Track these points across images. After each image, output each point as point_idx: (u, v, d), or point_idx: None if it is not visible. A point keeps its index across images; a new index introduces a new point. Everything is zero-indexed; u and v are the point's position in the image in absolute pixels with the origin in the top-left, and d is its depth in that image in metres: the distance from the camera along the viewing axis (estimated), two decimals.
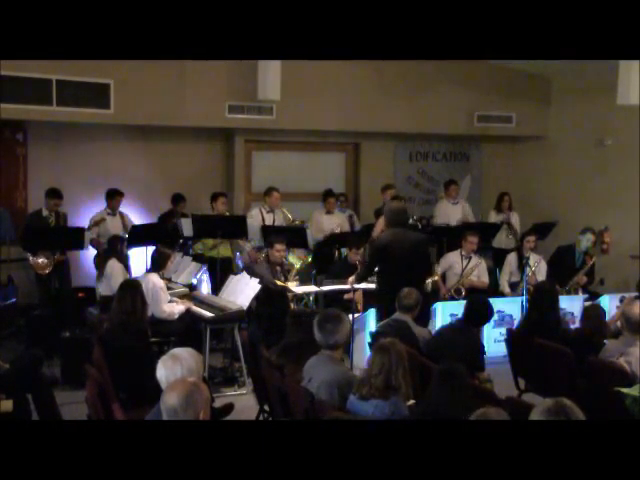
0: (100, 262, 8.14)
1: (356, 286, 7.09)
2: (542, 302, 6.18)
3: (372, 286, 7.08)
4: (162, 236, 8.44)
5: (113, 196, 8.87)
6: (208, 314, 6.86)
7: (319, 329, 4.56)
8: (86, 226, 8.40)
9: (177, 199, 9.47)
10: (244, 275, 7.25)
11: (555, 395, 3.02)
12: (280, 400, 4.85)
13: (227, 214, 8.89)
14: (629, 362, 5.17)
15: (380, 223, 9.34)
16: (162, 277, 7.14)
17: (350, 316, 6.52)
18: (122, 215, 8.97)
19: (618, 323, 6.17)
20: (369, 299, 7.46)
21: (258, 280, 7.04)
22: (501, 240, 9.93)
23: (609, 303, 7.96)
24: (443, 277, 8.93)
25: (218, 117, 9.52)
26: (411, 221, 9.46)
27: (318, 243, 9.22)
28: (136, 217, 9.36)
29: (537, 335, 5.91)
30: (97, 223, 8.62)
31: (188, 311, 7.02)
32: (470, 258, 8.81)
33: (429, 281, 8.13)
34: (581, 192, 10.58)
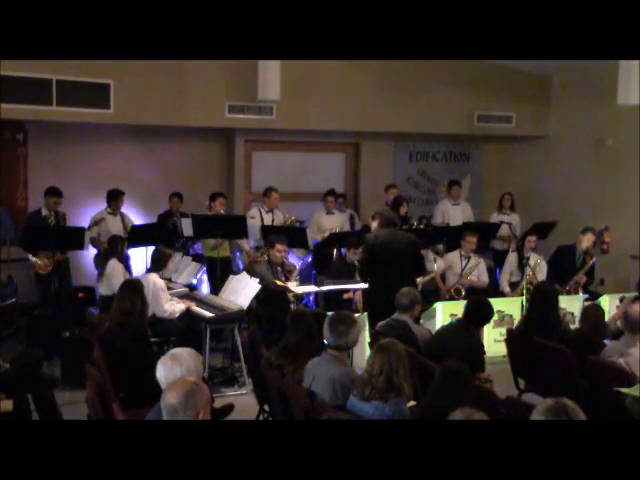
0: (100, 262, 8.14)
1: (357, 286, 7.12)
2: (542, 302, 6.17)
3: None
4: (162, 236, 8.44)
5: (115, 196, 8.87)
6: (208, 314, 6.86)
7: (331, 330, 4.55)
8: (87, 226, 8.39)
9: (173, 198, 9.49)
10: (244, 275, 7.25)
11: (555, 395, 3.01)
12: (280, 400, 4.84)
13: (222, 213, 8.88)
14: (629, 362, 5.17)
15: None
16: (162, 277, 7.14)
17: None
18: (122, 215, 8.97)
19: (618, 323, 6.17)
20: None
21: (258, 280, 7.04)
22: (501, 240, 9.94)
23: (609, 303, 7.94)
24: (443, 277, 8.93)
25: (218, 117, 9.52)
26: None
27: (318, 243, 9.22)
28: (136, 217, 9.36)
29: (537, 335, 5.90)
30: (97, 223, 8.62)
31: (188, 311, 7.02)
32: (469, 258, 8.81)
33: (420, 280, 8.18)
34: (581, 192, 10.57)
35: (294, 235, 8.38)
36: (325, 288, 7.69)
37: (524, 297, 7.92)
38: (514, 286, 8.84)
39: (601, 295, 8.39)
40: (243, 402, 6.37)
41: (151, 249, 7.57)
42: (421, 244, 7.27)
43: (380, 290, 6.62)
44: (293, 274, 7.82)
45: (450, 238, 9.23)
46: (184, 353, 3.77)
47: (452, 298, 8.49)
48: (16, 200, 9.37)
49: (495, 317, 7.11)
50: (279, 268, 7.69)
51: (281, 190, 9.39)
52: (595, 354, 5.48)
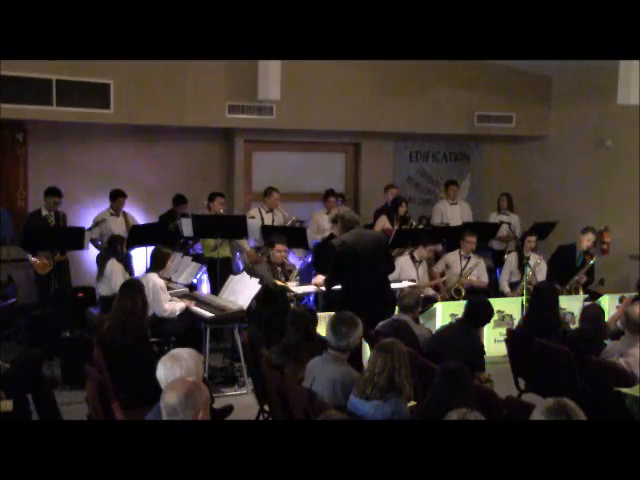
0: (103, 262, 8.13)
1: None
2: (542, 302, 6.17)
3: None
4: (162, 236, 8.43)
5: (116, 197, 8.87)
6: (208, 314, 6.87)
7: (332, 330, 4.54)
8: (87, 226, 8.38)
9: (178, 200, 9.46)
10: (244, 275, 7.25)
11: (555, 395, 3.01)
12: (280, 400, 4.85)
13: (222, 212, 8.87)
14: (629, 362, 5.17)
15: (380, 223, 9.39)
16: (162, 277, 7.14)
17: None
18: (125, 215, 8.97)
19: (618, 323, 6.17)
20: None
21: (258, 280, 7.04)
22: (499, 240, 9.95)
23: (609, 303, 7.94)
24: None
25: (218, 117, 9.52)
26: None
27: (318, 243, 9.22)
28: (135, 217, 9.35)
29: (537, 335, 5.90)
30: (98, 223, 8.61)
31: (188, 311, 7.02)
32: (469, 258, 8.81)
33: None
34: (581, 192, 10.57)
35: (294, 235, 8.38)
36: (324, 288, 7.68)
37: (524, 297, 7.92)
38: (514, 286, 8.84)
39: (601, 295, 8.39)
40: (243, 402, 6.37)
41: (151, 249, 7.57)
42: (387, 242, 7.22)
43: (354, 293, 6.51)
44: (293, 274, 7.82)
45: (450, 238, 9.23)
46: (184, 353, 3.77)
47: (452, 298, 8.49)
48: (16, 200, 9.37)
49: (495, 317, 7.10)
50: (279, 268, 7.68)
51: (281, 190, 9.39)
52: (595, 354, 5.48)
